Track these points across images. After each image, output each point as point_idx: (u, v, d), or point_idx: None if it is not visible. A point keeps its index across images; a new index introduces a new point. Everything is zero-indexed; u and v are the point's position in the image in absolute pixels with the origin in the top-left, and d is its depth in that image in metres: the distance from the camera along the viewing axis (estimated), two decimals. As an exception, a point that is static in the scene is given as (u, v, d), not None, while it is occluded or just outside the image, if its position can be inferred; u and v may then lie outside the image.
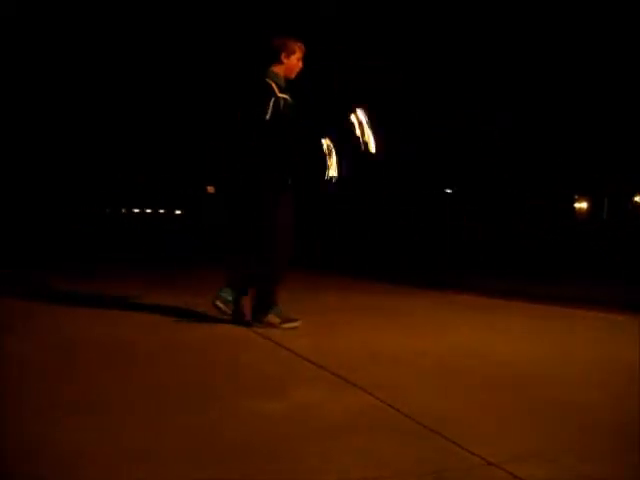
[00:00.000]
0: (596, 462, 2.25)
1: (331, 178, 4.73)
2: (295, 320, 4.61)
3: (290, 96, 4.60)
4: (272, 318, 4.58)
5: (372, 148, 4.68)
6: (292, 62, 4.63)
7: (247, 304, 4.67)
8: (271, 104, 4.43)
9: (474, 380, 3.35)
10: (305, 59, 4.71)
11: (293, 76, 4.68)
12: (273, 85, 4.50)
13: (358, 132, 4.69)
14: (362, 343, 4.23)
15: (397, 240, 13.02)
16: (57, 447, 2.29)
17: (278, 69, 4.60)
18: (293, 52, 4.63)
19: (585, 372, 3.59)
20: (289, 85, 4.64)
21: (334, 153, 4.71)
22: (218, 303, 4.52)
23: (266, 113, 4.41)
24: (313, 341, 4.22)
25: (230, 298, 4.55)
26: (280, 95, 4.50)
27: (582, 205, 30.22)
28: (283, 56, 4.59)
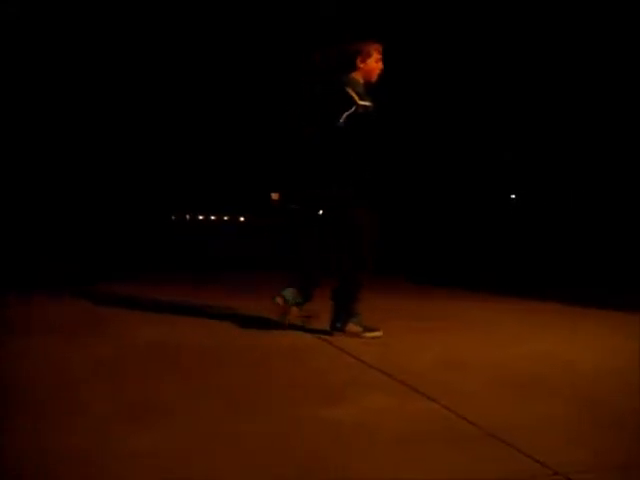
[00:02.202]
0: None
1: None
2: (377, 330, 4.53)
3: (371, 100, 4.48)
4: (353, 327, 4.49)
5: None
6: (370, 65, 4.54)
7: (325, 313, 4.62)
8: (350, 114, 4.35)
9: (547, 389, 3.33)
10: (384, 58, 4.57)
11: (374, 79, 4.57)
12: (352, 93, 4.41)
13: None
14: (432, 351, 4.22)
15: (459, 243, 12.78)
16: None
17: (357, 75, 4.51)
18: (369, 55, 4.53)
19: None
20: (371, 89, 4.52)
21: None
22: (278, 300, 4.47)
23: (346, 124, 4.34)
24: (381, 349, 4.23)
25: (291, 299, 4.51)
26: (360, 103, 4.40)
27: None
28: (359, 61, 4.51)
